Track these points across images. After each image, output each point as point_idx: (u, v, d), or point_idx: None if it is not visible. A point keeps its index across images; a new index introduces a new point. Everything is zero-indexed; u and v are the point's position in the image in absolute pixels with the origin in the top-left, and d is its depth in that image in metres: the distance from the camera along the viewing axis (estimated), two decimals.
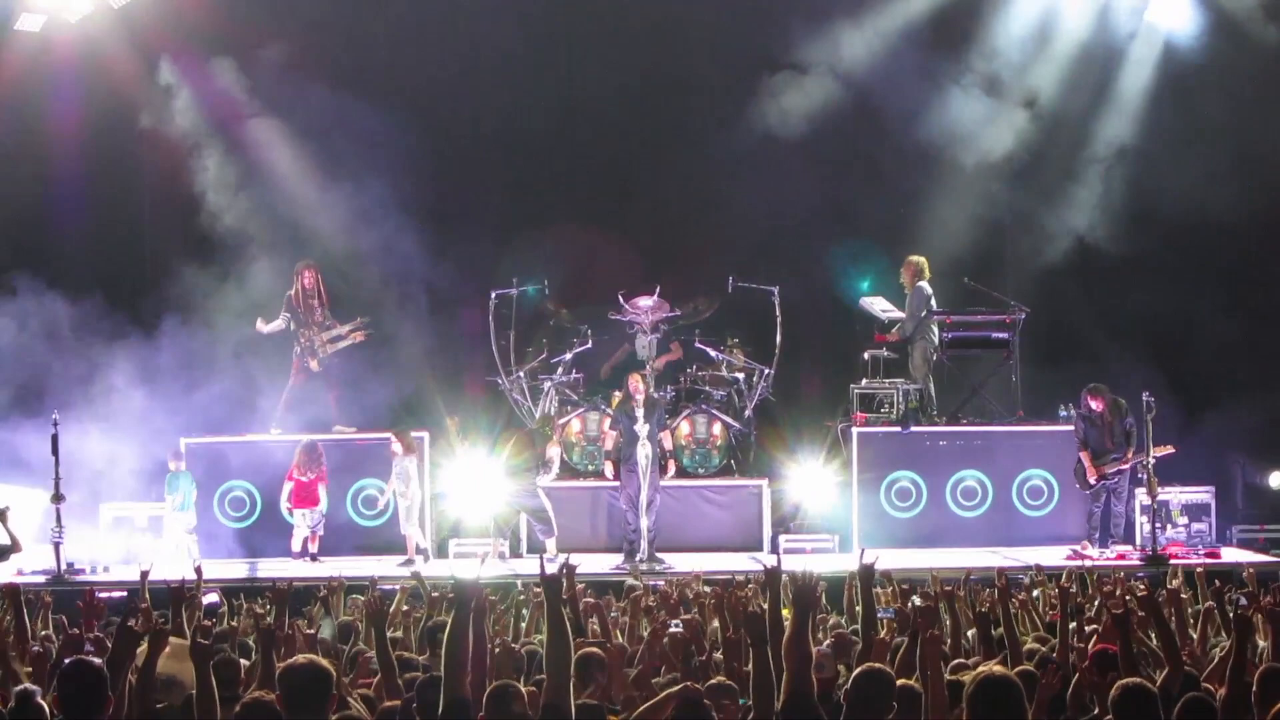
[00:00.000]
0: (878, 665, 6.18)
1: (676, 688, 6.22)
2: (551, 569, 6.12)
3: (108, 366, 16.49)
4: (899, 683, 6.22)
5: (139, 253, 18.56)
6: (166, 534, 16.10)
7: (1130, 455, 15.43)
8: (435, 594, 9.89)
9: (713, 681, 6.64)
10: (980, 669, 5.55)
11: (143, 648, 6.12)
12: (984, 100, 18.18)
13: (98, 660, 5.87)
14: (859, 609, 7.74)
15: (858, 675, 6.01)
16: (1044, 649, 7.68)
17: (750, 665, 5.94)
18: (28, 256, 17.58)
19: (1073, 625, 7.96)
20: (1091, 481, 15.56)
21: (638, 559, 15.11)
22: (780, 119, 18.15)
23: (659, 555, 15.25)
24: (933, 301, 16.97)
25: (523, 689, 6.10)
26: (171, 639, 6.69)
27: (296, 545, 15.85)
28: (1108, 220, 18.29)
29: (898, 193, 18.29)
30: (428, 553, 15.79)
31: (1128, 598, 8.13)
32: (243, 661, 7.51)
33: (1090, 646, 7.23)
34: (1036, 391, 17.09)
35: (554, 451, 16.00)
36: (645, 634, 8.47)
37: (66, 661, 6.09)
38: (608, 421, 16.68)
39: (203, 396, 16.63)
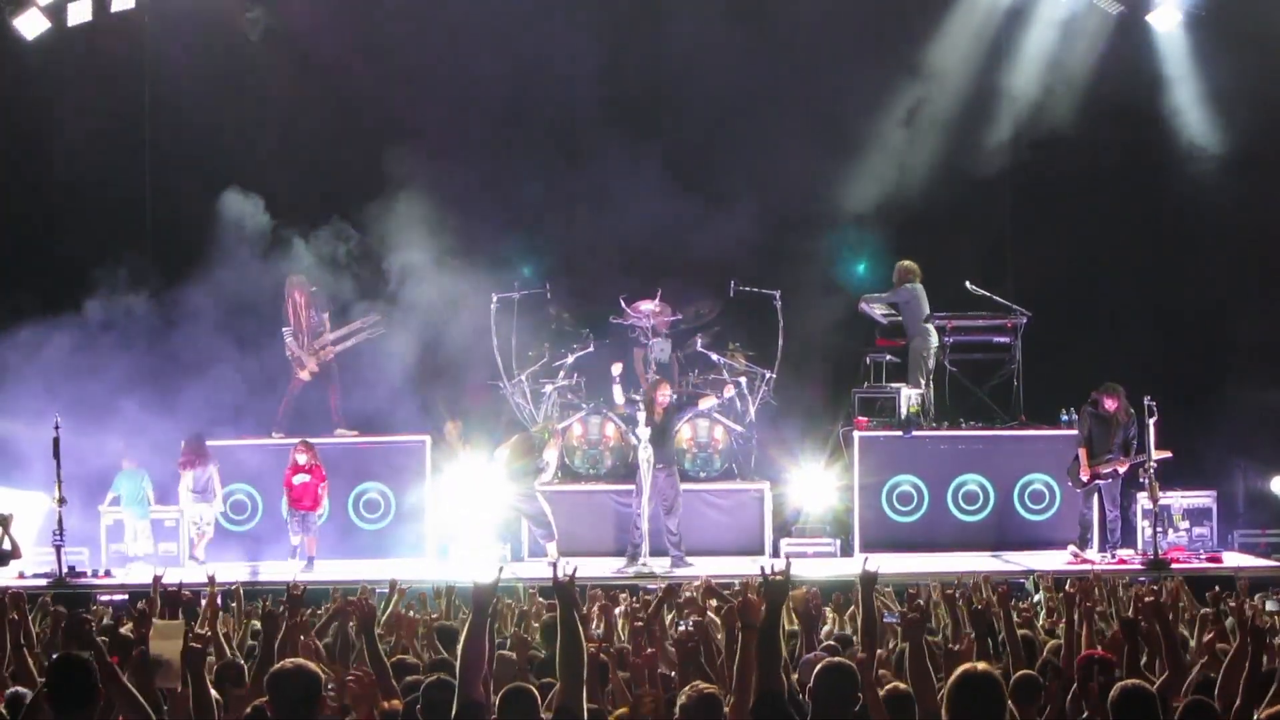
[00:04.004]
0: (840, 660, 6.17)
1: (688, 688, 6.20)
2: (563, 574, 6.13)
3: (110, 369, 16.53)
4: (891, 686, 6.21)
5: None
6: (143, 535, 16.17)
7: (1125, 460, 15.43)
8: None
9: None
10: (963, 665, 5.55)
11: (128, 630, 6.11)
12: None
13: (86, 654, 5.85)
14: (859, 616, 7.73)
15: (820, 670, 5.99)
16: (1049, 654, 7.67)
17: (738, 651, 5.93)
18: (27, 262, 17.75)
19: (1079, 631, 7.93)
20: (1084, 479, 15.54)
21: (640, 562, 15.10)
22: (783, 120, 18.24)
23: (688, 559, 15.28)
24: (925, 305, 16.93)
25: (536, 692, 6.12)
26: (155, 620, 6.69)
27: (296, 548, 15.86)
28: (1111, 222, 18.35)
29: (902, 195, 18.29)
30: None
31: (1136, 601, 8.12)
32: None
33: (1082, 652, 7.22)
34: (1038, 396, 17.08)
35: (551, 454, 15.96)
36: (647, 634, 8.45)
37: (55, 656, 6.07)
38: (609, 425, 16.75)
39: (203, 398, 16.66)
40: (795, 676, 6.67)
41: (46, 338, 16.56)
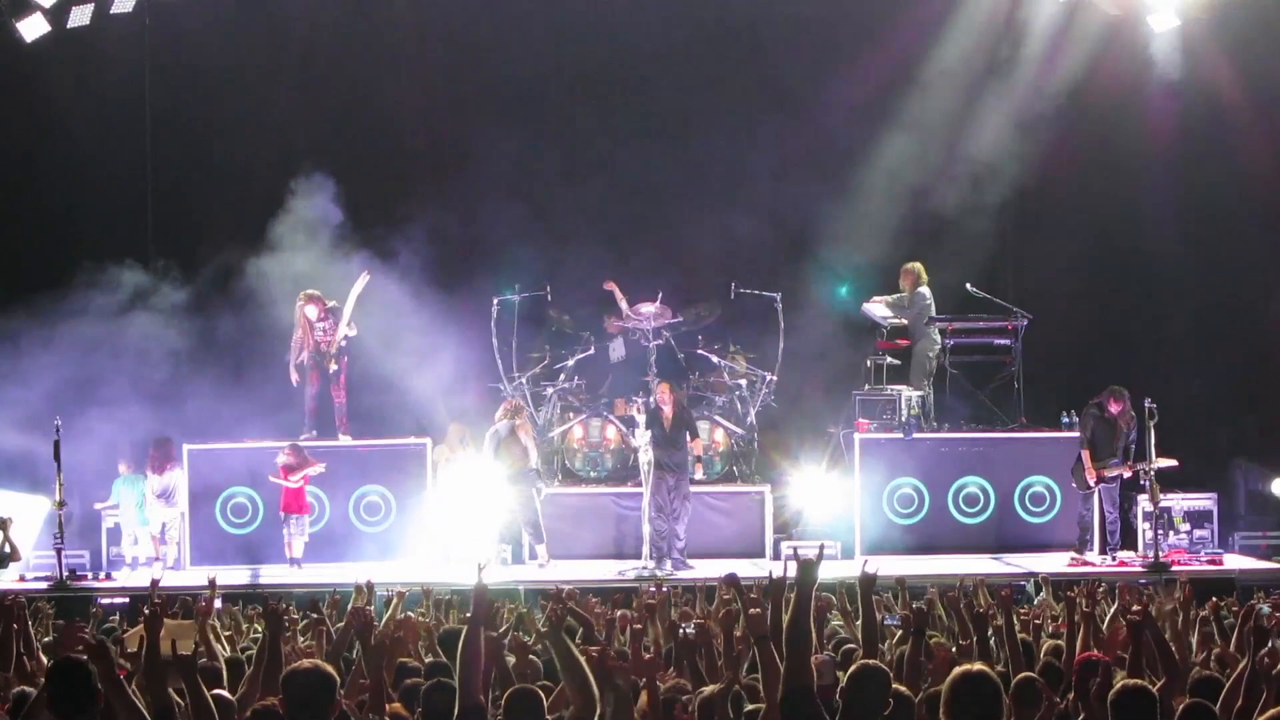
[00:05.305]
0: (873, 663, 6.16)
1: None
2: (546, 577, 6.14)
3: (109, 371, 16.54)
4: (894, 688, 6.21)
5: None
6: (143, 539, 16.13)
7: (1131, 465, 15.44)
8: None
9: (671, 682, 6.64)
10: (960, 666, 5.54)
11: (139, 631, 6.10)
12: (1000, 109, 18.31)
13: (84, 656, 5.85)
14: (858, 619, 7.72)
15: (853, 673, 5.96)
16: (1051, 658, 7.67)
17: (758, 662, 5.91)
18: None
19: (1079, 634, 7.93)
20: (1090, 482, 15.54)
21: (641, 564, 15.08)
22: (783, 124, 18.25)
23: (689, 561, 15.25)
24: (932, 308, 16.94)
25: (542, 695, 6.12)
26: (167, 620, 6.68)
27: (290, 553, 15.81)
28: (1113, 225, 18.35)
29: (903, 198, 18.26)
30: None
31: (1135, 606, 8.11)
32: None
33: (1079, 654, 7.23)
34: (1039, 398, 17.07)
35: (525, 438, 15.66)
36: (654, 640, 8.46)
37: (53, 661, 6.07)
38: (609, 428, 16.76)
39: (203, 401, 16.64)
40: None
41: (46, 339, 16.56)
